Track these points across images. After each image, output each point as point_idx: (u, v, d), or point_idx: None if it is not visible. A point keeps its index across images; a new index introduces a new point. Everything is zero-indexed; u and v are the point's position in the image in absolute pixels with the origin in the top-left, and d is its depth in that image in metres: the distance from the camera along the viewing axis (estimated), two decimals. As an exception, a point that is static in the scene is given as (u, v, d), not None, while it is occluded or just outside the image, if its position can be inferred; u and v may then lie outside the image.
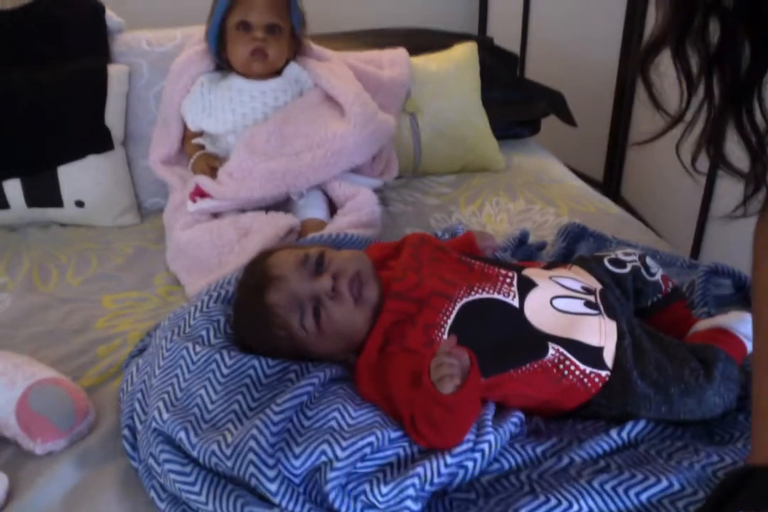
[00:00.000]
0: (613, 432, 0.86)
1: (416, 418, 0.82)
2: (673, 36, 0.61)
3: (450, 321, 0.89)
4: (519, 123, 1.96)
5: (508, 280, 0.95)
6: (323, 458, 0.79)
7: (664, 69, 0.64)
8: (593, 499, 0.76)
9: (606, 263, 1.02)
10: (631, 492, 0.77)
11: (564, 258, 1.24)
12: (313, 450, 0.79)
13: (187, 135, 1.56)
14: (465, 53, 1.82)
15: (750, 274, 0.74)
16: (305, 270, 0.92)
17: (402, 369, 0.86)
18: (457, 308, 0.91)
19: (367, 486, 0.78)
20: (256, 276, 0.94)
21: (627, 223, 1.52)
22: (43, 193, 1.50)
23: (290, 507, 0.76)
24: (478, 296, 0.92)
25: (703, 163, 0.68)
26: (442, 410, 0.79)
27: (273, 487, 0.76)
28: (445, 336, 0.88)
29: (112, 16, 1.62)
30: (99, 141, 1.53)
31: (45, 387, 0.93)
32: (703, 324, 0.97)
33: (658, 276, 1.02)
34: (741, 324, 0.93)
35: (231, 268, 1.23)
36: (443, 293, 0.92)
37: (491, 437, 0.83)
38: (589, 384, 0.88)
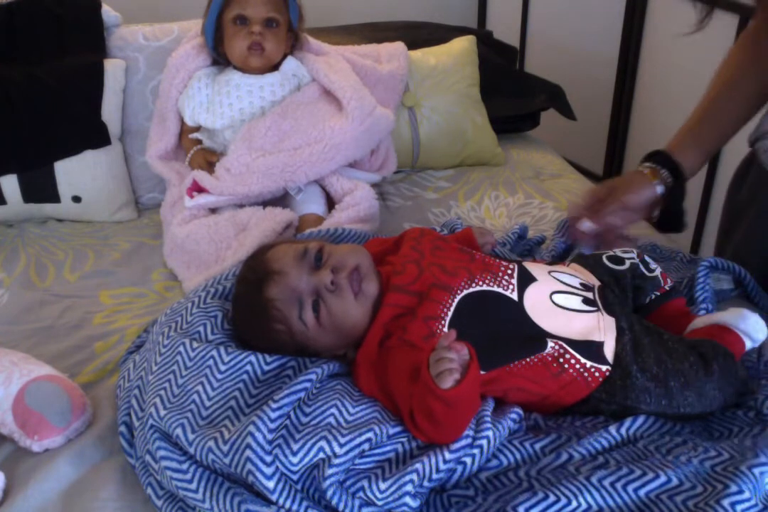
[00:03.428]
0: (612, 429, 0.85)
1: (415, 413, 0.81)
2: None
3: (450, 314, 0.89)
4: (518, 117, 1.95)
5: (509, 272, 0.95)
6: (321, 454, 0.79)
7: None
8: (592, 495, 0.75)
9: (604, 260, 1.02)
10: (630, 488, 0.76)
11: (563, 253, 1.24)
12: (311, 446, 0.79)
13: (184, 130, 1.55)
14: (464, 47, 1.81)
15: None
16: (304, 264, 0.92)
17: (402, 364, 0.85)
18: (457, 300, 0.90)
19: (365, 483, 0.78)
20: (256, 270, 0.94)
21: (626, 218, 1.51)
22: (40, 188, 1.49)
23: (287, 504, 0.76)
24: (478, 288, 0.92)
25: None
26: (442, 405, 0.78)
27: (270, 484, 0.76)
28: (446, 329, 0.88)
29: (108, 11, 1.62)
30: (96, 136, 1.52)
31: (41, 384, 0.93)
32: (701, 321, 0.96)
33: (657, 273, 1.01)
34: (740, 320, 0.92)
35: (229, 264, 1.22)
36: (443, 285, 0.91)
37: (490, 433, 0.82)
38: (590, 379, 0.87)
